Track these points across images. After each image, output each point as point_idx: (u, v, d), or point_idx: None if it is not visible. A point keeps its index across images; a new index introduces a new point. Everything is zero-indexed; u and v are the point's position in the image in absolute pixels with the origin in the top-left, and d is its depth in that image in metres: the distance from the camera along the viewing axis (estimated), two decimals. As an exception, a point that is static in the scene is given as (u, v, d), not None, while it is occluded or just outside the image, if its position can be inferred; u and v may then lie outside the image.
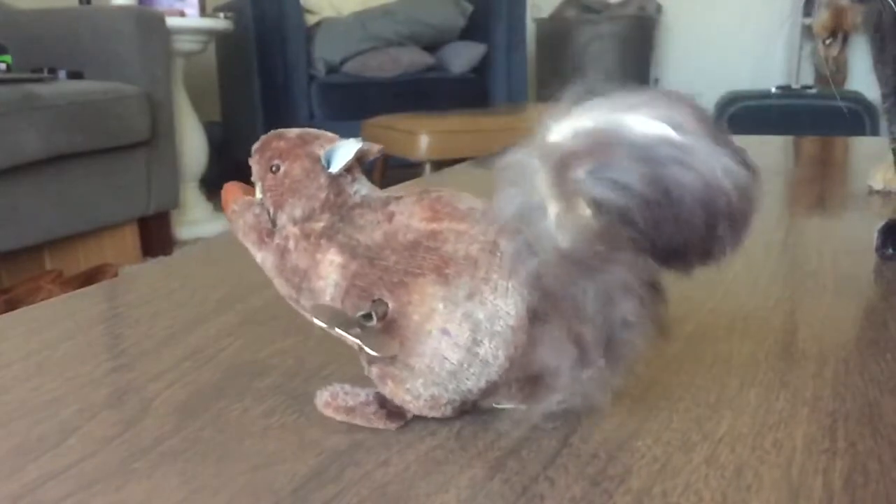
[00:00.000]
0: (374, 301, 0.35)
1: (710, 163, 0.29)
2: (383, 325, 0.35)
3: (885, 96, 0.72)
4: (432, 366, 0.34)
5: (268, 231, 0.38)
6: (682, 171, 0.29)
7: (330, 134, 0.38)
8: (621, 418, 0.38)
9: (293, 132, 0.39)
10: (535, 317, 0.33)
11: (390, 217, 0.36)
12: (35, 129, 1.91)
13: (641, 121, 0.30)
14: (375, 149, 0.39)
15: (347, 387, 0.38)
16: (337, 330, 0.34)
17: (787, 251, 0.69)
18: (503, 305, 0.33)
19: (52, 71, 2.24)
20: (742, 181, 0.30)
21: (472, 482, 0.33)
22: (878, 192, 0.95)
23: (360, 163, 0.38)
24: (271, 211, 0.38)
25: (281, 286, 0.38)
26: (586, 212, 0.30)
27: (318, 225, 0.36)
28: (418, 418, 0.37)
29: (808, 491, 0.32)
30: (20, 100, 1.90)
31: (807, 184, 1.10)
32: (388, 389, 0.36)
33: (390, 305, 0.34)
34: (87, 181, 2.14)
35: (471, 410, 0.37)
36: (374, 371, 0.36)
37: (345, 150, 0.36)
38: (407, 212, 0.35)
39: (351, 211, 0.36)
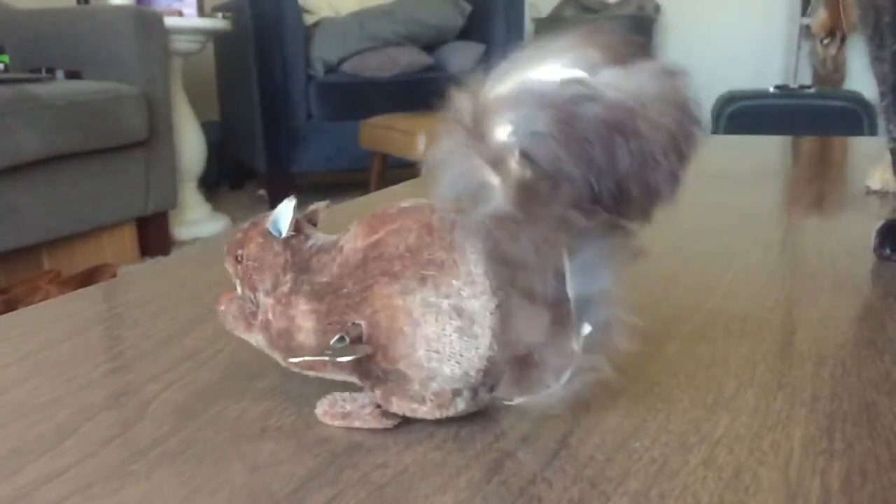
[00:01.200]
0: (347, 328, 0.36)
1: (621, 88, 0.30)
2: (365, 346, 0.36)
3: (882, 94, 0.72)
4: (419, 362, 0.35)
5: (252, 314, 0.40)
6: (590, 104, 0.29)
7: (283, 203, 0.40)
8: (619, 419, 0.38)
9: (248, 223, 0.41)
10: (500, 288, 0.34)
11: (340, 250, 0.38)
12: (33, 129, 1.91)
13: (549, 69, 0.30)
14: (321, 206, 0.42)
15: (346, 394, 0.39)
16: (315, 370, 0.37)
17: (785, 251, 0.69)
18: (455, 280, 0.34)
19: (50, 71, 2.24)
20: (666, 94, 0.30)
21: (470, 484, 0.33)
22: (875, 192, 0.96)
23: (313, 223, 0.41)
24: (252, 296, 0.40)
25: (278, 358, 0.40)
26: (518, 168, 0.30)
27: (286, 287, 0.38)
28: (416, 421, 0.37)
29: (805, 492, 0.32)
30: (18, 100, 1.90)
31: (805, 184, 1.10)
32: (396, 405, 0.36)
33: (363, 325, 0.36)
34: (86, 181, 2.14)
35: (484, 406, 0.37)
36: (378, 395, 0.37)
37: (284, 213, 0.38)
38: (351, 238, 0.37)
39: (309, 262, 0.38)
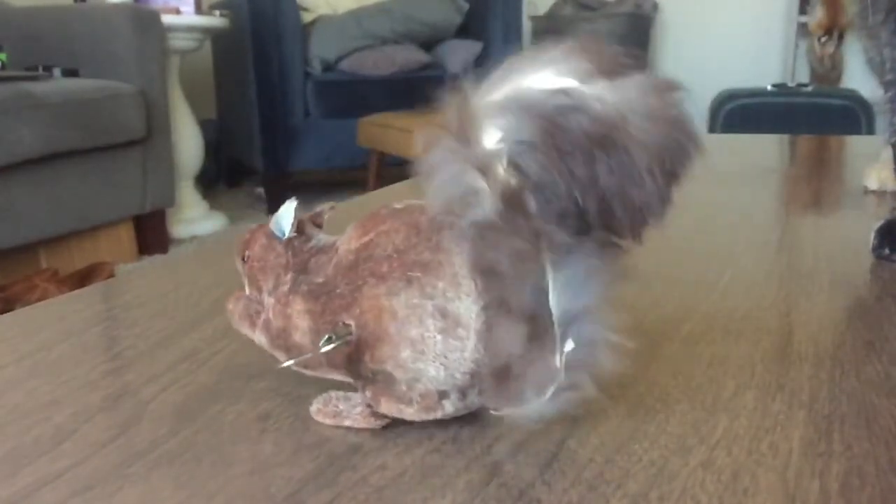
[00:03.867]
0: (338, 327, 0.37)
1: (607, 101, 0.29)
2: (349, 343, 0.36)
3: (888, 84, 0.71)
4: (405, 363, 0.35)
5: (256, 314, 0.40)
6: (576, 116, 0.29)
7: (285, 204, 0.40)
8: (617, 421, 0.38)
9: (254, 225, 0.41)
10: (482, 295, 0.34)
11: (336, 251, 0.38)
12: (30, 127, 1.91)
13: (541, 78, 0.30)
14: (326, 207, 0.42)
15: (340, 393, 0.39)
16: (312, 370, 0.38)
17: (782, 252, 0.69)
18: (441, 282, 0.34)
19: (48, 69, 2.24)
20: (654, 110, 0.30)
21: (469, 486, 0.33)
22: (873, 191, 0.96)
23: (317, 224, 0.41)
24: (257, 296, 0.40)
25: (279, 356, 0.40)
26: (506, 176, 0.30)
27: (286, 287, 0.39)
28: (415, 423, 0.37)
29: (804, 494, 0.32)
30: (15, 98, 1.90)
31: (802, 183, 1.10)
32: (385, 406, 0.37)
33: (352, 325, 0.36)
34: (83, 179, 2.14)
35: (473, 409, 0.37)
36: (368, 395, 0.37)
37: (286, 214, 0.39)
38: (345, 239, 0.38)
39: (308, 262, 0.39)
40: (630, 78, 0.30)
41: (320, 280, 0.37)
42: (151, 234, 2.47)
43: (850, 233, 0.77)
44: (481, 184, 0.31)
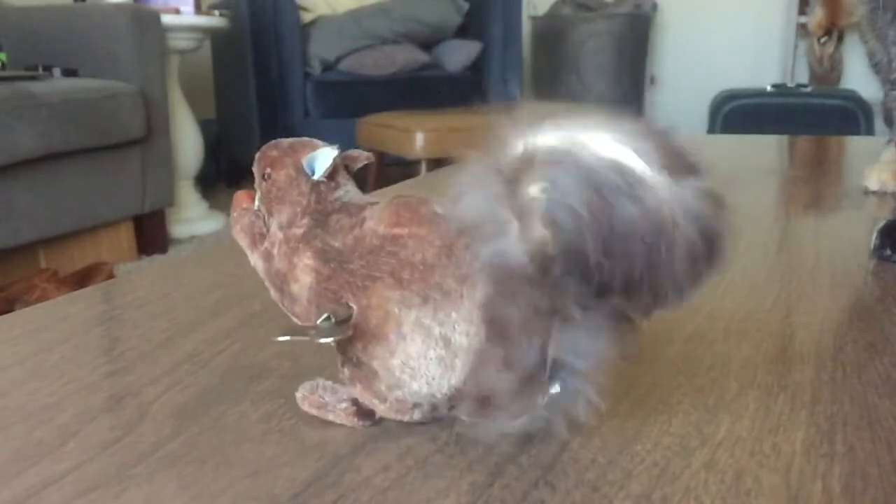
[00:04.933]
0: (339, 305, 0.36)
1: (661, 196, 0.29)
2: (348, 330, 0.35)
3: (895, 83, 0.70)
4: (392, 369, 0.35)
5: (259, 236, 0.39)
6: (628, 202, 0.28)
7: (319, 143, 0.39)
8: (620, 422, 0.38)
9: (287, 141, 0.39)
10: (487, 331, 0.33)
11: (362, 222, 0.36)
12: (29, 126, 1.91)
13: (601, 143, 0.29)
14: (364, 156, 0.40)
15: (329, 383, 0.39)
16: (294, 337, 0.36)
17: (783, 252, 0.69)
18: (455, 313, 0.34)
19: (47, 68, 2.24)
20: (703, 219, 0.29)
21: (473, 487, 0.33)
22: (873, 192, 0.96)
23: (348, 170, 0.39)
24: (266, 217, 0.39)
25: (270, 289, 0.39)
26: (541, 231, 0.29)
27: (299, 231, 0.37)
28: (418, 423, 0.37)
29: (807, 496, 0.32)
30: (14, 97, 1.90)
31: (802, 184, 1.10)
32: (358, 391, 0.37)
33: (354, 308, 0.35)
34: (82, 179, 2.13)
35: (447, 419, 0.37)
36: (346, 373, 0.37)
37: (323, 158, 0.37)
38: (376, 217, 0.36)
39: (329, 217, 0.37)
40: (688, 178, 0.30)
41: (337, 244, 0.36)
42: (151, 234, 2.47)
43: (850, 234, 0.78)
44: (513, 225, 0.30)
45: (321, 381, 0.39)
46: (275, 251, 0.38)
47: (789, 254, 0.69)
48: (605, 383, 0.32)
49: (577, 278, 0.30)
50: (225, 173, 3.62)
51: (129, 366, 0.46)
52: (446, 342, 0.34)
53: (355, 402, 0.37)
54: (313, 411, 0.38)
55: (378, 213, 0.36)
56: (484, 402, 0.33)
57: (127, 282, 0.66)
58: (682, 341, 0.48)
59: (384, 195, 0.38)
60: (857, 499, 0.32)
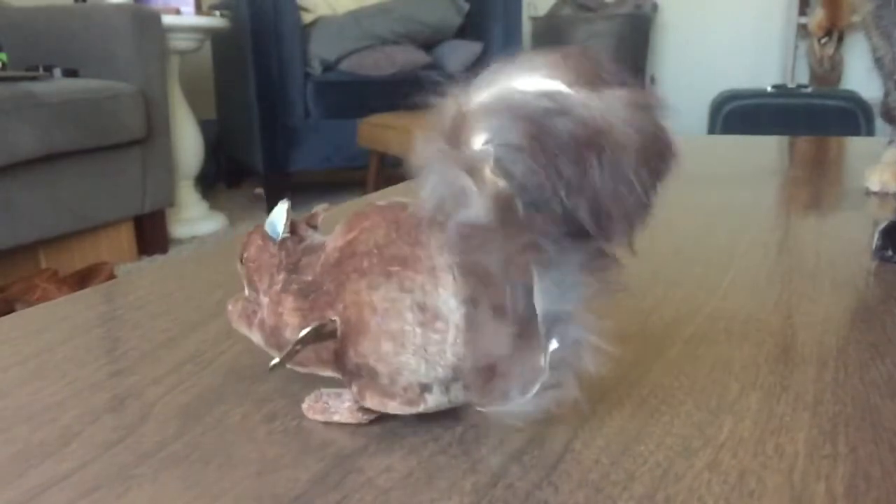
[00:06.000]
0: (323, 323, 0.37)
1: (592, 106, 0.30)
2: (341, 340, 0.37)
3: None
4: (385, 357, 0.36)
5: (253, 314, 0.41)
6: (562, 119, 0.30)
7: (278, 206, 0.41)
8: (622, 423, 0.38)
9: (255, 226, 0.42)
10: (471, 289, 0.34)
11: (325, 249, 0.39)
12: (30, 127, 1.91)
13: (528, 82, 0.30)
14: (321, 209, 0.43)
15: (331, 391, 0.39)
16: (304, 366, 0.39)
17: (784, 253, 0.69)
18: (419, 276, 0.35)
19: (48, 69, 2.24)
20: (637, 120, 0.30)
21: (476, 488, 0.33)
22: (874, 193, 0.96)
23: (311, 225, 0.42)
24: (255, 297, 0.41)
25: (273, 354, 0.40)
26: (494, 178, 0.30)
27: (277, 286, 0.39)
28: (421, 422, 0.37)
29: (810, 497, 0.32)
30: (15, 98, 1.90)
31: (803, 184, 1.10)
32: (369, 400, 0.37)
33: (337, 320, 0.37)
34: (83, 179, 2.13)
35: (458, 404, 0.37)
36: (355, 389, 0.37)
37: (278, 214, 0.40)
38: (333, 237, 0.39)
39: (299, 262, 0.39)
40: (614, 89, 0.31)
41: (309, 278, 0.38)
42: (151, 235, 2.47)
43: (852, 234, 0.78)
44: (470, 185, 0.31)
45: (324, 390, 0.40)
46: (265, 315, 0.40)
47: (790, 255, 0.69)
48: (603, 325, 0.33)
49: (544, 214, 0.30)
50: (225, 173, 3.63)
51: (132, 366, 0.46)
52: (422, 306, 0.35)
53: (357, 399, 0.38)
54: (319, 417, 0.39)
55: (334, 234, 0.39)
56: (487, 373, 0.34)
57: (128, 282, 0.66)
58: (683, 342, 0.48)
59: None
60: (861, 499, 0.32)
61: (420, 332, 0.35)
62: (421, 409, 0.36)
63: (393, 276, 0.35)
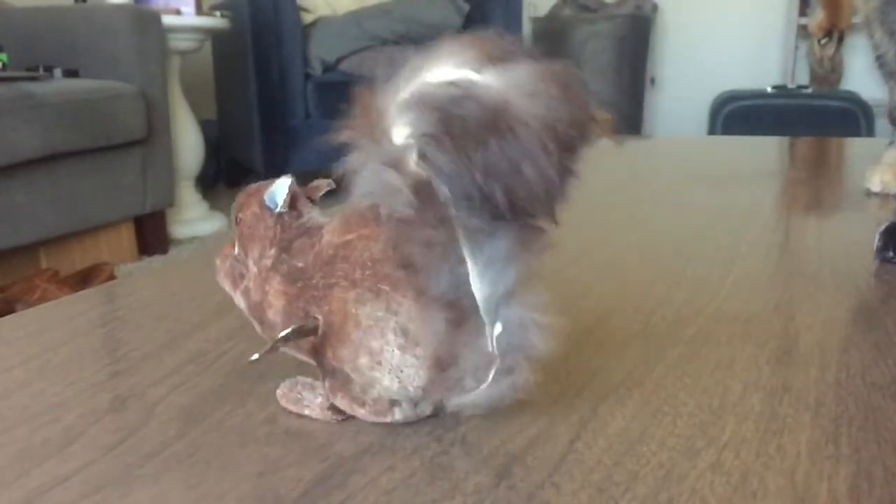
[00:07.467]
0: (307, 319, 0.37)
1: (493, 87, 0.30)
2: (321, 339, 0.37)
3: None
4: (361, 369, 0.36)
5: (240, 276, 0.41)
6: (466, 102, 0.30)
7: (281, 179, 0.40)
8: (625, 423, 0.38)
9: (255, 185, 0.42)
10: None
11: (321, 238, 0.38)
12: (30, 127, 1.91)
13: (440, 72, 0.31)
14: (324, 183, 0.42)
15: (307, 380, 0.40)
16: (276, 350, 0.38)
17: (785, 254, 0.69)
18: (408, 302, 0.35)
19: (48, 69, 2.24)
20: (542, 94, 0.30)
21: (478, 488, 0.33)
22: (875, 194, 0.96)
23: (311, 200, 0.41)
24: (244, 259, 0.41)
25: (253, 323, 0.41)
26: (416, 171, 0.31)
27: (268, 261, 0.39)
28: (423, 422, 0.38)
29: (813, 497, 0.32)
30: (16, 98, 1.90)
31: (804, 185, 1.10)
32: (340, 401, 0.38)
33: (320, 319, 0.37)
34: (83, 180, 2.13)
35: (424, 416, 0.38)
36: (327, 385, 0.38)
37: (280, 189, 0.39)
38: (330, 230, 0.38)
39: (293, 242, 0.39)
40: (517, 63, 0.31)
41: (300, 265, 0.38)
42: (151, 235, 2.47)
43: (853, 235, 0.78)
44: (395, 179, 0.31)
45: (300, 379, 0.40)
46: (251, 285, 0.40)
47: (792, 255, 0.69)
48: (542, 300, 0.33)
49: (463, 200, 0.31)
50: (225, 174, 3.62)
51: (134, 367, 0.46)
52: (404, 331, 0.35)
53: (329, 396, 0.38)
54: (290, 407, 0.39)
55: (331, 225, 0.38)
56: (437, 364, 0.34)
57: (129, 282, 0.66)
58: (685, 343, 0.48)
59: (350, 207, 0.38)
60: (863, 500, 0.32)
61: (398, 355, 0.35)
62: (388, 420, 0.37)
63: (381, 295, 0.35)
